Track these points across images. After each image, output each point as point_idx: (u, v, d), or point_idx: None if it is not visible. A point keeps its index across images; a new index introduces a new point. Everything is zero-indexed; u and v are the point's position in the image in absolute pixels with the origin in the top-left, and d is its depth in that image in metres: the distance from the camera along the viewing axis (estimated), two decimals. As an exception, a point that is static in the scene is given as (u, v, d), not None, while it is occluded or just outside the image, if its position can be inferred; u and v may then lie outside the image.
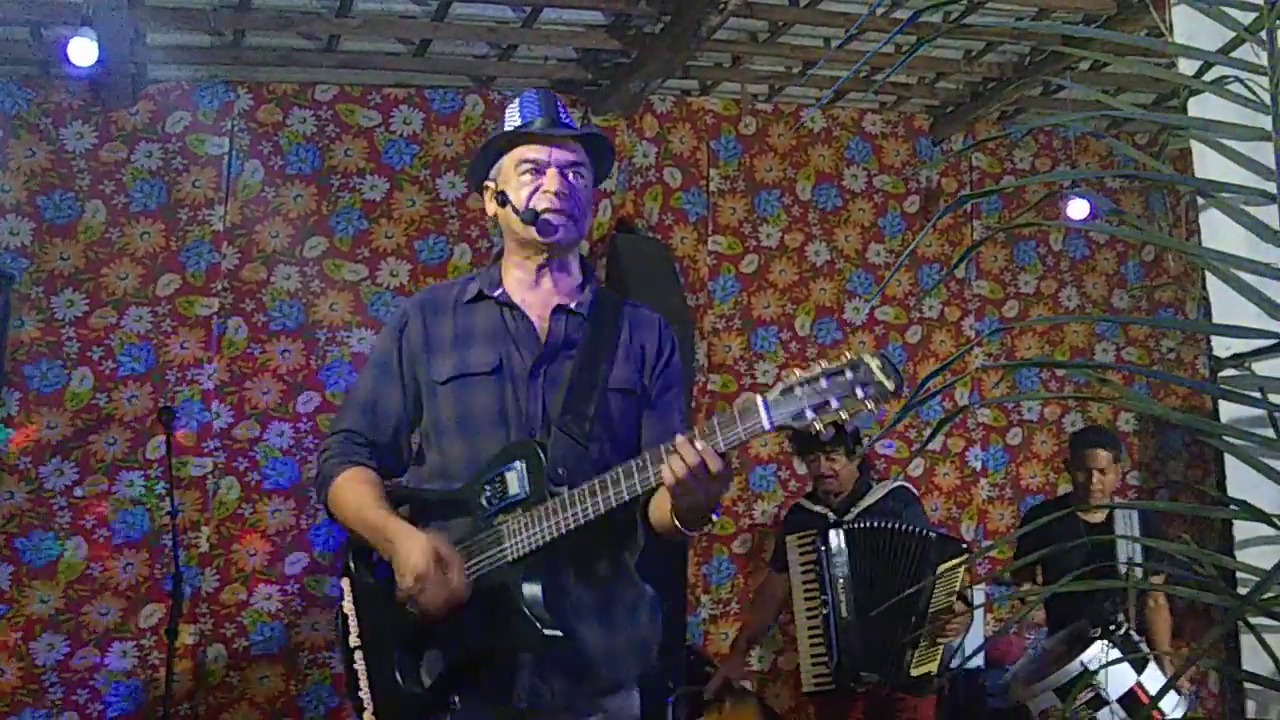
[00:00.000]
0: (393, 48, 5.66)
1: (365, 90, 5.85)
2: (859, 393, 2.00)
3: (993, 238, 6.82)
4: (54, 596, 5.21)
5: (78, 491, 5.28)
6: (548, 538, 2.28)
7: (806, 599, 4.59)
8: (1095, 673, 3.93)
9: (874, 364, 2.00)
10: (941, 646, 4.49)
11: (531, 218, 2.44)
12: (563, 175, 2.48)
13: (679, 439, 2.14)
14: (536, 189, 2.46)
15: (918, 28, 4.95)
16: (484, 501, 2.36)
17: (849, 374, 2.01)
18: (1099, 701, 3.98)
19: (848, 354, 2.03)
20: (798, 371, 2.06)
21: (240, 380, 5.56)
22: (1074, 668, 4.07)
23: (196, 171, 5.58)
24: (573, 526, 2.25)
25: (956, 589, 4.50)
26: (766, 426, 2.07)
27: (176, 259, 5.53)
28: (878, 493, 4.76)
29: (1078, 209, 6.15)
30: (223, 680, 5.38)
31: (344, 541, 2.67)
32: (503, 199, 2.48)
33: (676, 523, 2.27)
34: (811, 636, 4.56)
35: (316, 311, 5.67)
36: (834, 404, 2.01)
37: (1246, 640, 1.78)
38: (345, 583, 2.57)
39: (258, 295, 5.62)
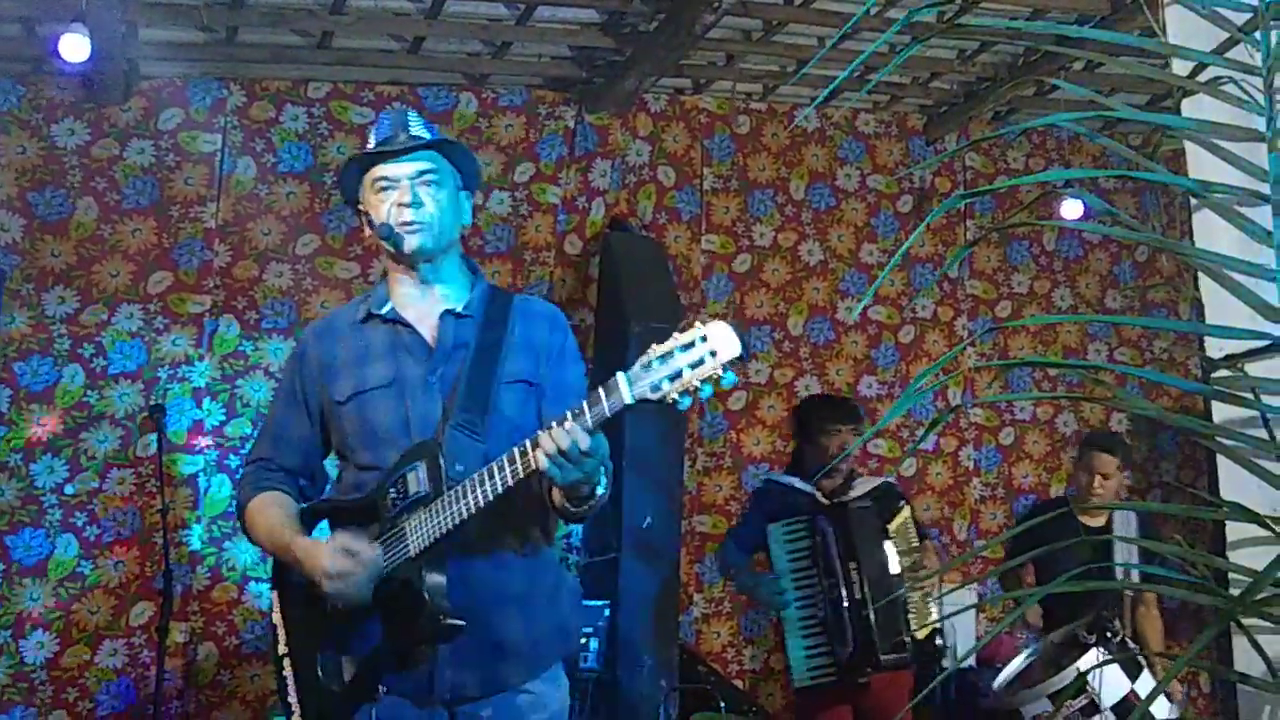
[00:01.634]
0: (386, 45, 5.65)
1: (358, 87, 5.84)
2: (708, 360, 2.10)
3: (986, 238, 6.82)
4: (44, 594, 5.19)
5: (69, 489, 5.27)
6: (445, 528, 2.36)
7: (801, 586, 4.45)
8: (1086, 673, 3.92)
9: (720, 332, 2.11)
10: (930, 599, 4.44)
11: (388, 232, 2.53)
12: (413, 188, 2.56)
13: (551, 426, 2.24)
14: (391, 203, 2.56)
15: (912, 27, 4.95)
16: (389, 504, 2.46)
17: (699, 344, 2.12)
18: (1092, 708, 3.97)
19: (698, 324, 2.14)
20: (655, 347, 2.16)
21: (232, 378, 5.54)
22: (1069, 674, 4.06)
23: (189, 168, 5.57)
24: (466, 516, 2.34)
25: (915, 535, 4.50)
26: (629, 400, 2.17)
27: (168, 256, 5.52)
28: (863, 486, 4.66)
29: (1071, 209, 6.16)
30: (213, 678, 5.37)
31: (273, 558, 2.77)
32: (369, 220, 2.58)
33: (563, 503, 2.40)
34: (807, 627, 4.42)
35: (308, 309, 5.66)
36: (686, 373, 2.12)
37: (1238, 641, 1.78)
38: (274, 594, 2.73)
39: (250, 293, 5.61)
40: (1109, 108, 1.87)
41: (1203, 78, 1.80)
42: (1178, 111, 1.91)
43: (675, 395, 2.13)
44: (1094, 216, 6.21)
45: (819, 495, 4.59)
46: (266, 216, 5.66)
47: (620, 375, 2.18)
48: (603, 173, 6.18)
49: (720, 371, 2.10)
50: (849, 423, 4.68)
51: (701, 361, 2.11)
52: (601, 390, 2.21)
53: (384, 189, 2.57)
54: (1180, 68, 1.88)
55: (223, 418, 5.51)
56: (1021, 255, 6.95)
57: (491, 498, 2.33)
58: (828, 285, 6.56)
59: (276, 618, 2.68)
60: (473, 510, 2.34)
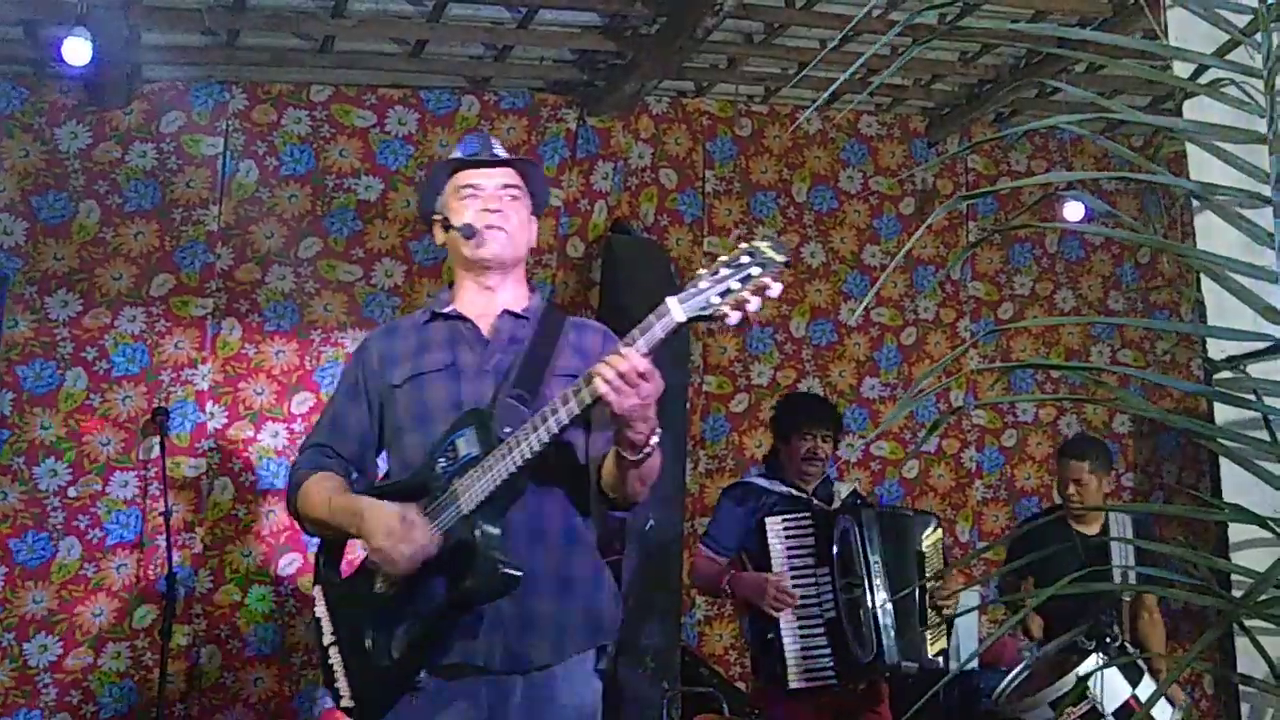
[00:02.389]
0: (388, 48, 5.65)
1: (360, 91, 5.85)
2: (755, 273, 2.18)
3: (988, 239, 6.83)
4: (47, 597, 5.19)
5: (71, 492, 5.27)
6: (499, 480, 2.43)
7: (802, 584, 4.24)
8: (1087, 678, 3.92)
9: (763, 245, 2.20)
10: (943, 621, 4.34)
11: (470, 232, 2.68)
12: (498, 197, 2.73)
13: (601, 363, 2.30)
14: (476, 208, 2.72)
15: (913, 30, 4.95)
16: (439, 471, 2.54)
17: (745, 258, 2.20)
18: (1094, 715, 3.96)
19: (743, 244, 2.22)
20: (701, 270, 2.24)
21: (234, 381, 5.55)
22: (1069, 680, 4.06)
23: (191, 172, 5.57)
24: (521, 464, 2.41)
25: (943, 558, 4.43)
26: (681, 318, 2.24)
27: (171, 259, 5.52)
28: (843, 489, 4.59)
29: (1073, 211, 6.16)
30: (216, 681, 5.37)
31: (318, 547, 2.82)
32: (446, 224, 2.74)
33: (622, 451, 2.42)
34: (805, 627, 4.23)
35: (311, 312, 5.66)
36: (737, 286, 2.19)
37: (1241, 643, 1.78)
38: (318, 590, 2.76)
39: (252, 296, 5.61)
40: (1111, 110, 1.87)
41: (1204, 80, 1.80)
42: (1179, 113, 1.91)
43: (726, 309, 2.19)
44: (1096, 218, 6.21)
45: (809, 497, 4.45)
46: (269, 219, 5.66)
47: (669, 298, 2.24)
48: (604, 175, 6.18)
49: (769, 281, 2.17)
50: (823, 428, 4.54)
51: (749, 276, 2.18)
52: (652, 314, 2.28)
53: (469, 196, 2.73)
54: (1182, 70, 1.89)
55: (225, 421, 5.51)
56: (1023, 257, 6.95)
57: (546, 440, 2.39)
58: (830, 287, 6.56)
59: (320, 611, 2.73)
60: (527, 457, 2.40)
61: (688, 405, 5.90)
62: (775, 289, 2.17)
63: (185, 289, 5.53)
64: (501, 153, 2.81)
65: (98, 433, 5.33)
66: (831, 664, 4.19)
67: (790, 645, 4.22)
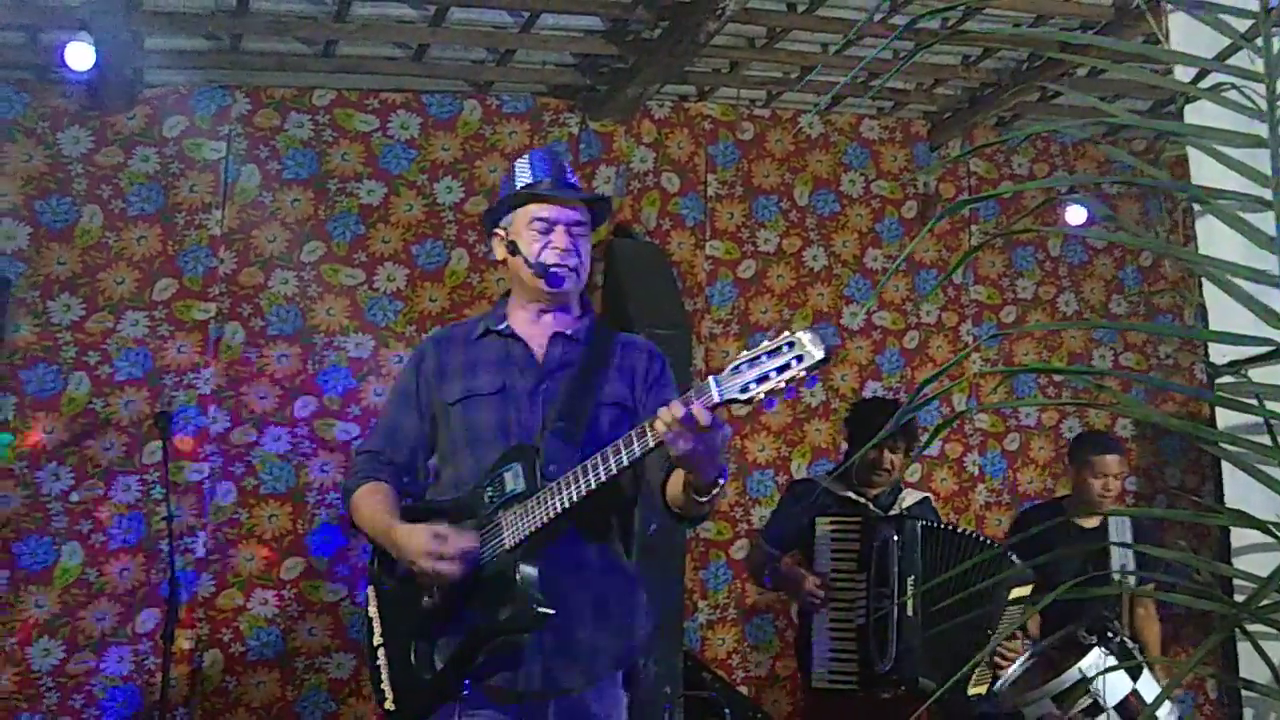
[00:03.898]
0: (390, 52, 5.65)
1: (363, 95, 5.85)
2: (793, 366, 2.26)
3: (990, 243, 6.82)
4: (50, 601, 5.20)
5: (74, 496, 5.27)
6: (542, 521, 2.54)
7: (840, 587, 4.27)
8: (1092, 679, 3.92)
9: (805, 338, 2.27)
10: (990, 672, 4.26)
11: (542, 270, 2.75)
12: (569, 234, 2.79)
13: (664, 409, 2.39)
14: (546, 245, 2.77)
15: (915, 34, 4.96)
16: (486, 501, 2.65)
17: (785, 349, 2.28)
18: (1096, 709, 3.96)
19: (785, 333, 2.30)
20: (743, 353, 2.33)
21: (237, 385, 5.55)
22: (1071, 674, 4.06)
23: (193, 176, 5.58)
24: (565, 508, 2.51)
25: (1021, 617, 4.31)
26: (716, 399, 2.32)
27: (173, 263, 5.53)
28: (909, 498, 4.59)
29: (1075, 215, 6.16)
30: (219, 685, 5.37)
31: (370, 552, 2.92)
32: (513, 249, 2.79)
33: (689, 490, 2.50)
34: (836, 629, 4.26)
35: (314, 316, 5.67)
36: (773, 375, 2.27)
37: (1244, 648, 1.78)
38: (370, 590, 2.87)
39: (255, 300, 5.61)
40: (1112, 114, 1.87)
41: (1205, 84, 1.80)
42: (1181, 118, 1.91)
43: (761, 396, 2.28)
44: (1098, 222, 6.20)
45: (869, 505, 4.47)
46: (271, 223, 5.66)
47: (710, 378, 2.33)
48: (607, 179, 6.18)
49: (804, 375, 2.26)
50: (900, 439, 4.54)
51: (788, 366, 2.27)
52: (693, 391, 2.37)
53: (543, 230, 2.78)
54: (1183, 74, 1.89)
55: (228, 425, 5.52)
56: (1026, 261, 6.94)
57: (594, 486, 2.48)
58: (832, 291, 6.56)
59: (372, 611, 2.83)
60: (573, 501, 2.50)
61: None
62: (813, 382, 2.29)
63: (188, 293, 5.53)
64: (576, 182, 2.89)
65: (100, 437, 5.33)
66: (855, 669, 4.21)
67: (820, 645, 4.29)
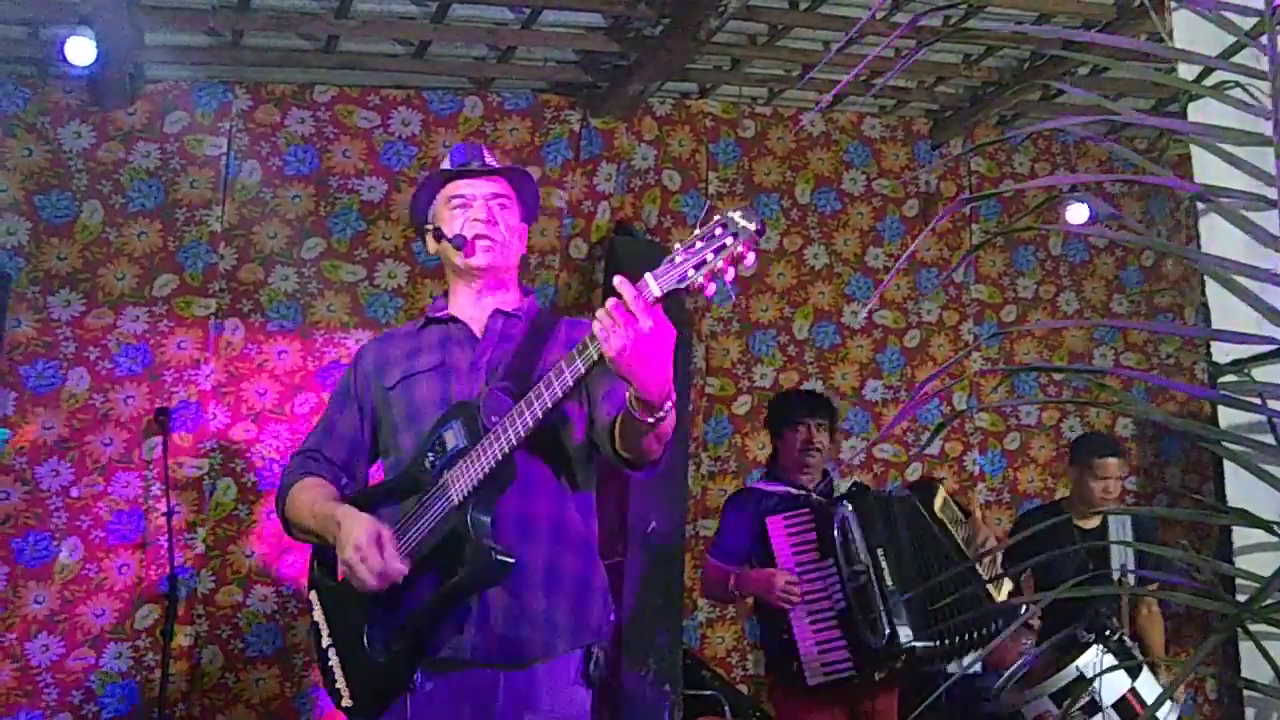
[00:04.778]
0: (391, 49, 5.65)
1: (364, 91, 5.85)
2: (729, 243, 2.16)
3: (991, 242, 6.81)
4: (49, 597, 5.19)
5: (74, 492, 5.26)
6: (489, 467, 2.45)
7: (810, 580, 4.26)
8: (1091, 680, 3.92)
9: (736, 215, 2.17)
10: (997, 563, 4.33)
11: (461, 242, 2.72)
12: (488, 206, 2.76)
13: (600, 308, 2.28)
14: (466, 218, 2.75)
15: (917, 32, 4.95)
16: (427, 466, 2.58)
17: (718, 230, 2.17)
18: (1094, 707, 3.97)
19: (715, 215, 2.19)
20: (678, 245, 2.23)
21: (237, 381, 5.55)
22: (1069, 672, 4.06)
23: (194, 172, 5.57)
24: (509, 448, 2.41)
25: (959, 512, 4.41)
26: (656, 293, 2.21)
27: (174, 259, 5.52)
28: (842, 486, 4.62)
29: (1077, 214, 6.15)
30: (218, 682, 5.37)
31: (310, 557, 2.86)
32: (439, 234, 2.77)
33: (634, 413, 2.32)
34: (817, 621, 4.24)
35: (314, 313, 5.66)
36: (710, 258, 2.17)
37: (1245, 647, 1.77)
38: (313, 595, 2.79)
39: (255, 296, 5.61)
40: (1116, 111, 1.87)
41: (1209, 82, 1.80)
42: (1184, 116, 1.91)
43: (701, 281, 2.18)
44: (1100, 221, 6.20)
45: (813, 494, 4.46)
46: (272, 220, 5.66)
47: (647, 274, 2.23)
48: (608, 177, 6.18)
49: (742, 249, 2.15)
50: (814, 415, 4.59)
51: (724, 246, 2.16)
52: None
53: (459, 206, 2.77)
54: (1187, 72, 1.88)
55: (228, 421, 5.51)
56: (1027, 260, 6.94)
57: (540, 416, 2.38)
58: (833, 289, 6.55)
59: (317, 615, 2.77)
60: (519, 437, 2.40)
61: (690, 408, 5.89)
62: (750, 258, 2.16)
63: (188, 289, 5.53)
64: (492, 162, 2.85)
65: (100, 433, 5.33)
66: (848, 656, 4.19)
67: (805, 642, 4.24)
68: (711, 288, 2.18)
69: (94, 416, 5.33)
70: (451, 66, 5.83)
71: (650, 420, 2.33)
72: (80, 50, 4.75)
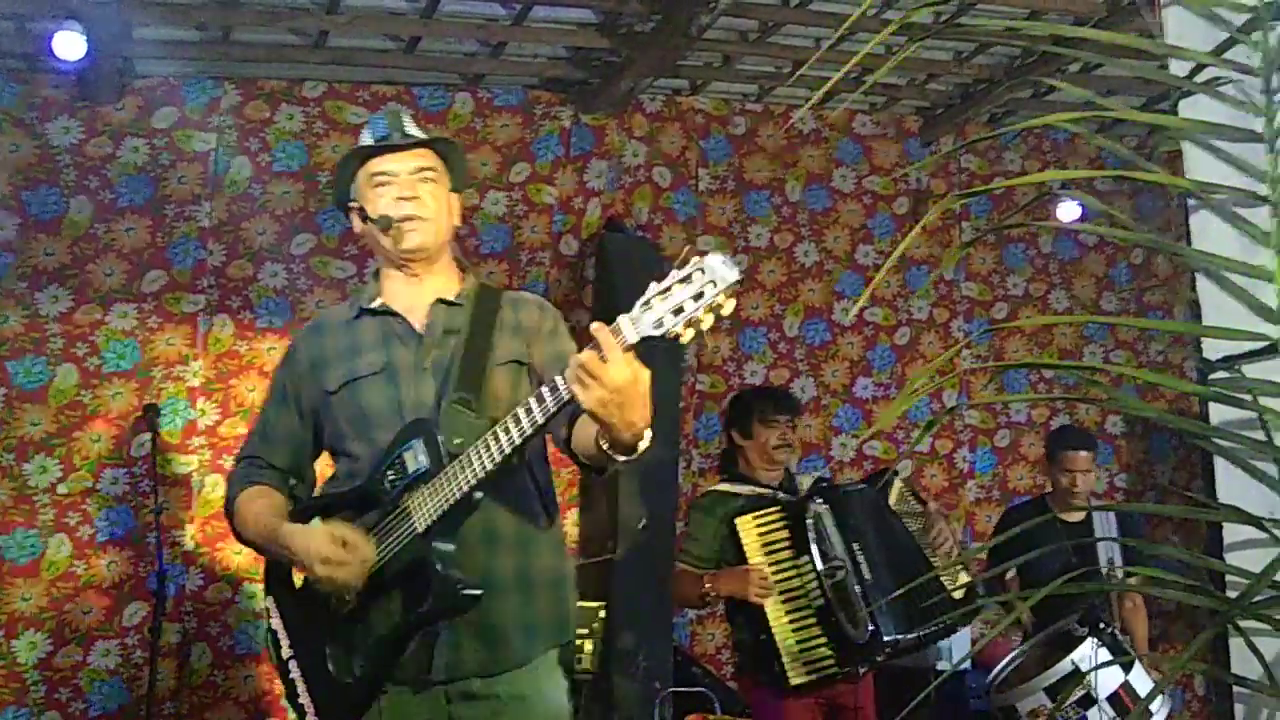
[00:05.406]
0: (381, 44, 5.63)
1: (354, 87, 5.83)
2: (708, 291, 2.06)
3: (982, 239, 6.82)
4: (36, 594, 5.17)
5: (61, 489, 5.24)
6: (454, 498, 2.35)
7: (785, 578, 4.23)
8: (1087, 674, 3.93)
9: (715, 261, 2.07)
10: (954, 554, 4.34)
11: (386, 224, 2.56)
12: (412, 182, 2.60)
13: (575, 355, 2.19)
14: (389, 196, 2.59)
15: (908, 28, 4.94)
16: (387, 486, 2.46)
17: (697, 276, 2.07)
18: (1088, 700, 3.97)
19: (695, 259, 2.09)
20: (653, 285, 2.11)
21: (226, 378, 5.53)
22: (1064, 666, 4.07)
23: (183, 167, 5.55)
24: (475, 481, 2.32)
25: (915, 503, 4.41)
26: (632, 339, 2.12)
27: (163, 255, 5.50)
28: (807, 480, 4.58)
29: (1067, 211, 6.16)
30: (207, 679, 5.35)
31: (264, 565, 2.79)
32: (363, 215, 2.60)
33: (604, 445, 2.27)
34: (796, 619, 4.20)
35: (304, 309, 5.64)
36: (689, 305, 2.07)
37: (1235, 644, 1.77)
38: (270, 601, 2.71)
39: (244, 292, 5.59)
40: (1108, 108, 1.86)
41: (1201, 78, 1.79)
42: (1176, 112, 1.90)
43: (679, 329, 2.09)
44: (1090, 218, 6.21)
45: (779, 493, 4.43)
46: (261, 216, 5.64)
47: (621, 316, 2.13)
48: (598, 173, 6.17)
49: (721, 300, 2.06)
50: (788, 413, 4.58)
51: (702, 293, 2.06)
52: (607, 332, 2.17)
53: (382, 184, 2.60)
54: (1179, 68, 1.88)
55: (217, 418, 5.49)
56: (1017, 257, 6.94)
57: (506, 452, 2.29)
58: (824, 287, 6.55)
59: (275, 623, 2.68)
60: (480, 475, 2.32)
61: (681, 404, 5.89)
62: (729, 307, 2.07)
63: (177, 285, 5.51)
64: (415, 132, 2.66)
65: (88, 429, 5.31)
66: (830, 652, 4.16)
67: (785, 642, 4.19)
68: (689, 334, 2.09)
69: (82, 413, 5.31)
70: (442, 62, 5.82)
71: (621, 460, 2.30)
72: (69, 45, 4.73)
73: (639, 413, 2.20)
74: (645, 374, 2.19)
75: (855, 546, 4.17)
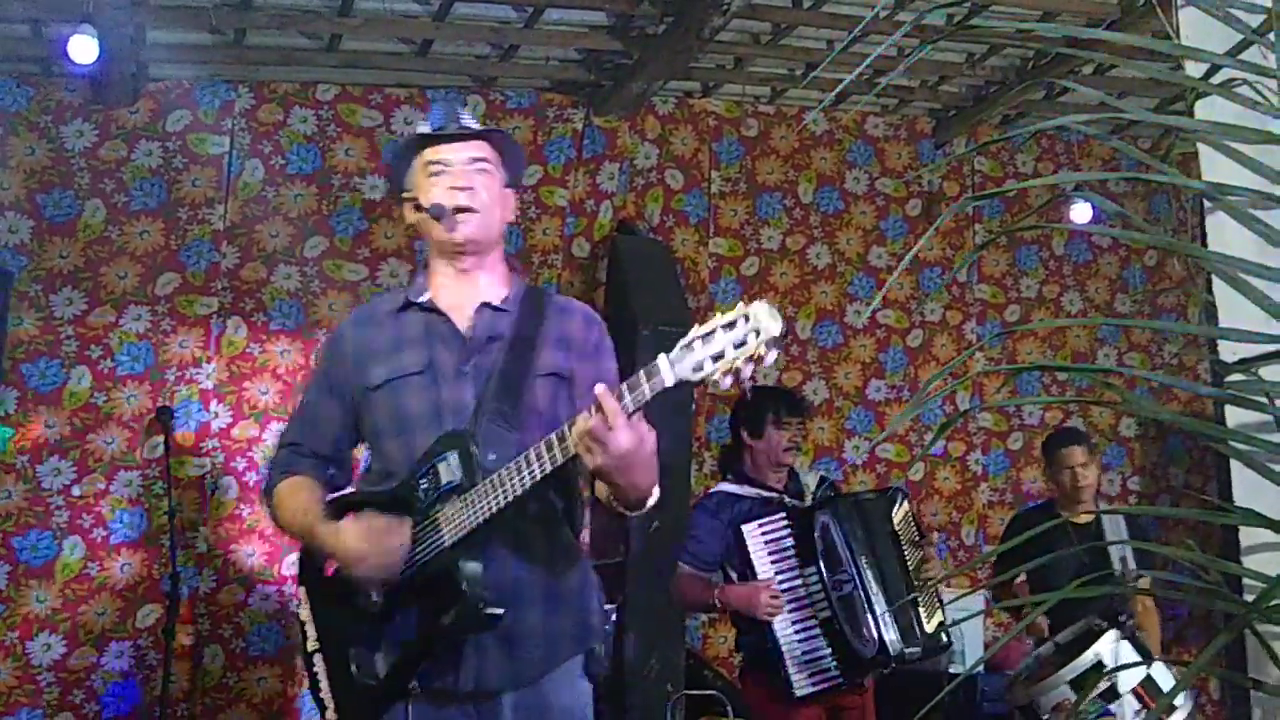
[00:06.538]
0: (394, 47, 5.64)
1: (366, 90, 5.84)
2: (751, 340, 2.06)
3: (995, 241, 6.81)
4: (51, 596, 5.19)
5: (75, 491, 5.26)
6: (483, 517, 2.35)
7: (791, 588, 4.19)
8: (1111, 670, 3.92)
9: (761, 311, 2.07)
10: (935, 594, 4.31)
11: (439, 213, 2.54)
12: (468, 172, 2.58)
13: (580, 416, 2.20)
14: (444, 185, 2.57)
15: (921, 30, 4.94)
16: (420, 494, 2.45)
17: (741, 323, 2.08)
18: (1112, 694, 3.96)
19: (740, 306, 2.09)
20: (696, 327, 2.11)
21: (239, 380, 5.54)
22: (1087, 658, 4.05)
23: (197, 170, 5.57)
24: (503, 504, 2.33)
25: (916, 532, 4.38)
26: (669, 382, 2.12)
27: (176, 258, 5.52)
28: (810, 481, 4.55)
29: (1080, 213, 6.14)
30: (220, 681, 5.36)
31: (300, 552, 2.77)
32: (417, 205, 2.60)
33: (611, 500, 2.33)
34: (801, 630, 4.16)
35: (316, 311, 5.66)
36: (730, 353, 2.07)
37: (1251, 647, 1.76)
38: (300, 590, 2.70)
39: (257, 295, 5.60)
40: (1122, 109, 1.86)
41: (1217, 80, 1.78)
42: (1191, 114, 1.90)
43: (718, 376, 2.09)
44: (1104, 220, 6.19)
45: (786, 497, 4.41)
46: (274, 219, 5.65)
47: (661, 356, 2.13)
48: (610, 175, 6.17)
49: (763, 350, 2.06)
50: (799, 415, 4.57)
51: (744, 341, 2.07)
52: (642, 373, 2.17)
53: (436, 173, 2.59)
54: (1194, 70, 1.87)
55: (230, 420, 5.51)
56: (1030, 259, 6.93)
57: (529, 485, 2.30)
58: (836, 289, 6.54)
59: (305, 614, 2.67)
60: (510, 499, 2.32)
61: (693, 406, 5.88)
62: (770, 358, 2.07)
63: (190, 288, 5.52)
64: (472, 123, 2.65)
65: (102, 432, 5.32)
66: (835, 664, 4.14)
67: (790, 652, 4.17)
68: (727, 382, 2.09)
69: (96, 415, 5.33)
70: (454, 65, 5.83)
71: (626, 514, 2.33)
72: (83, 48, 4.74)
73: (643, 475, 2.24)
74: (651, 437, 2.22)
75: (861, 560, 4.16)
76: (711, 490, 4.67)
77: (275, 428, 5.54)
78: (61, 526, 5.23)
